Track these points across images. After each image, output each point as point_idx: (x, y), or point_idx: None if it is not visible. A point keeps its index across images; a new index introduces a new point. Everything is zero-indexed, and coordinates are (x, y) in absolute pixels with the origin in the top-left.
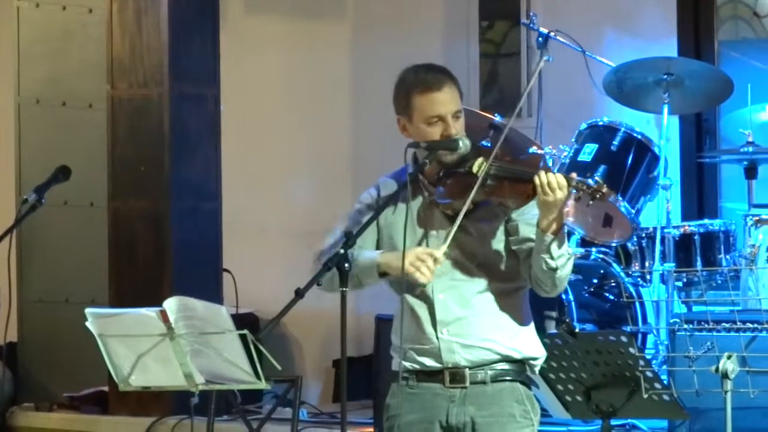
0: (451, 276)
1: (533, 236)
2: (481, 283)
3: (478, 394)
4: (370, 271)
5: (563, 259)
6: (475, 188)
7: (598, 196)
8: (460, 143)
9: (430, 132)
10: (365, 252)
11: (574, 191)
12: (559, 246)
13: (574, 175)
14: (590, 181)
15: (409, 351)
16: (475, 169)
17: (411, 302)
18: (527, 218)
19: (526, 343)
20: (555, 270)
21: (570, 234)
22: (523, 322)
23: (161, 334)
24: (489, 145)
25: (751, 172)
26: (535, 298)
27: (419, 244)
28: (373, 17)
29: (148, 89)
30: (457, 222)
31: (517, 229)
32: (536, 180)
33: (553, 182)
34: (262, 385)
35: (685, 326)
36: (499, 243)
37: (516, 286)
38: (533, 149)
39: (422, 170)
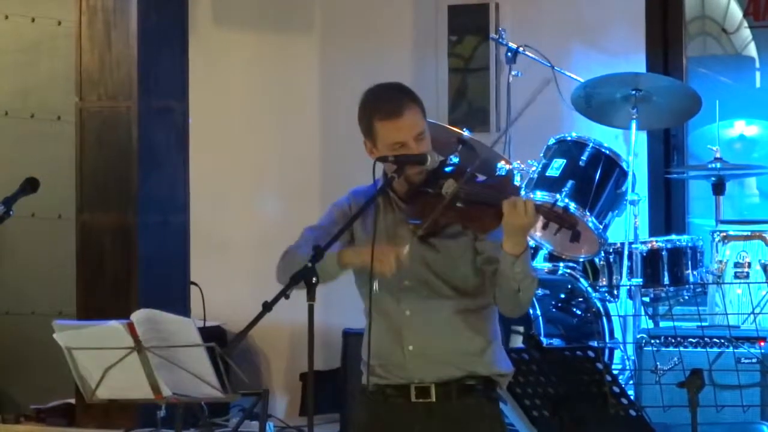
0: (418, 292)
1: (499, 255)
2: (449, 299)
3: (443, 410)
4: (331, 260)
5: (527, 281)
6: (440, 210)
7: (566, 226)
8: (428, 158)
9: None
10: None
11: (543, 219)
12: (522, 267)
13: (544, 202)
14: (558, 208)
15: (377, 366)
16: (444, 190)
17: (378, 318)
18: (495, 238)
19: (493, 359)
20: (517, 291)
21: (538, 249)
22: (490, 339)
23: (128, 346)
24: (458, 160)
25: (718, 188)
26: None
27: None
28: (342, 30)
29: (116, 102)
30: (419, 232)
31: (484, 248)
32: (504, 204)
33: (521, 208)
34: (230, 398)
35: (652, 342)
36: (467, 261)
37: (483, 303)
38: (502, 165)
39: (391, 185)
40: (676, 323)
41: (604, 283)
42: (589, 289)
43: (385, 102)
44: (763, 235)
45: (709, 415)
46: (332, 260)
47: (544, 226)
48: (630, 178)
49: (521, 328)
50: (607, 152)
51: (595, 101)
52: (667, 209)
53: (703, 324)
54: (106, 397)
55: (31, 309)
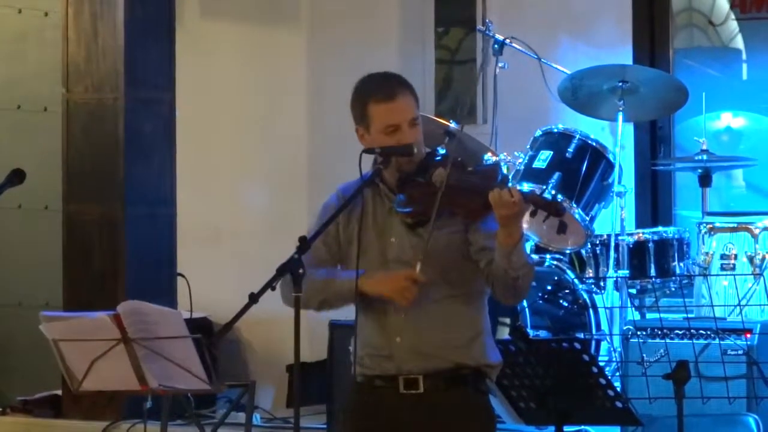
0: None
1: (492, 245)
2: (439, 290)
3: (432, 402)
4: (348, 294)
5: (524, 269)
6: (437, 201)
7: (554, 212)
8: (415, 149)
9: (387, 141)
10: (342, 274)
11: (531, 206)
12: (519, 256)
13: (532, 191)
14: (546, 195)
15: (365, 357)
16: (434, 179)
17: (367, 310)
18: (487, 227)
19: (482, 350)
20: (516, 279)
21: (524, 240)
22: (480, 330)
23: (115, 338)
24: (445, 152)
25: (705, 180)
26: (489, 304)
27: (378, 252)
28: (329, 22)
29: (103, 93)
30: (428, 239)
31: (477, 237)
32: (490, 196)
33: (507, 198)
34: (216, 389)
35: (638, 333)
36: (458, 251)
37: (474, 294)
38: (488, 156)
39: (380, 176)
40: (663, 315)
41: (591, 274)
42: (576, 280)
43: (380, 86)
44: (750, 227)
45: (695, 407)
46: (347, 288)
47: (533, 214)
48: (616, 169)
49: (508, 320)
50: (594, 144)
51: (581, 93)
52: (654, 201)
53: (690, 316)
54: (92, 388)
55: (17, 300)
